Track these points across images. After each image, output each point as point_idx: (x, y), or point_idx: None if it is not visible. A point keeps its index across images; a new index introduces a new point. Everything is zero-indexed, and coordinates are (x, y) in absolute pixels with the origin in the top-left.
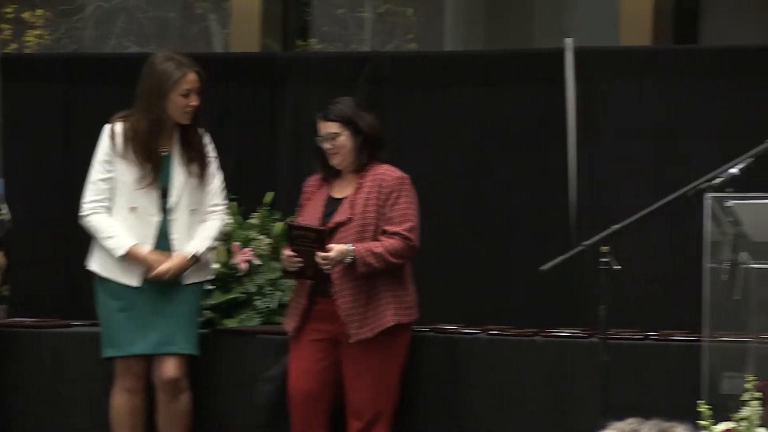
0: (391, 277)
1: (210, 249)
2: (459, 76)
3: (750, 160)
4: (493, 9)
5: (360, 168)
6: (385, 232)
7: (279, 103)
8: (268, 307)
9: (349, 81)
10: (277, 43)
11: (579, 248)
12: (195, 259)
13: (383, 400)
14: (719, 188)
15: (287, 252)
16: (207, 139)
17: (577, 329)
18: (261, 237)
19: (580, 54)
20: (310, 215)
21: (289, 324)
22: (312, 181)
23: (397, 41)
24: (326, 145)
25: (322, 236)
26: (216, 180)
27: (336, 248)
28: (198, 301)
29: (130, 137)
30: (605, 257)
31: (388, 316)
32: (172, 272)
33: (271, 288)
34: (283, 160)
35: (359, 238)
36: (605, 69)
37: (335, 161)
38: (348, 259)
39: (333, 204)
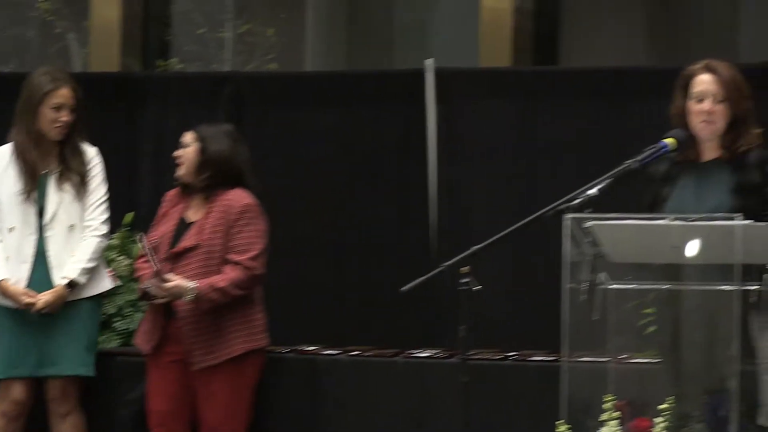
0: (241, 303)
1: (87, 270)
2: (320, 96)
3: (609, 181)
4: (354, 30)
5: (210, 191)
6: (229, 261)
7: (139, 122)
8: (127, 328)
9: (209, 100)
10: (138, 63)
11: (439, 269)
12: (71, 286)
13: (235, 421)
14: (578, 209)
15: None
16: (91, 156)
17: (438, 350)
18: (121, 258)
19: (440, 75)
20: (161, 234)
21: (146, 344)
22: (171, 194)
23: (257, 61)
24: (177, 153)
25: (159, 274)
26: (95, 195)
27: (176, 283)
28: (90, 316)
29: (13, 153)
30: (465, 278)
31: (237, 344)
32: (44, 305)
33: (130, 309)
34: (143, 180)
35: (205, 265)
36: (465, 90)
37: (178, 171)
38: (189, 296)
39: (184, 227)
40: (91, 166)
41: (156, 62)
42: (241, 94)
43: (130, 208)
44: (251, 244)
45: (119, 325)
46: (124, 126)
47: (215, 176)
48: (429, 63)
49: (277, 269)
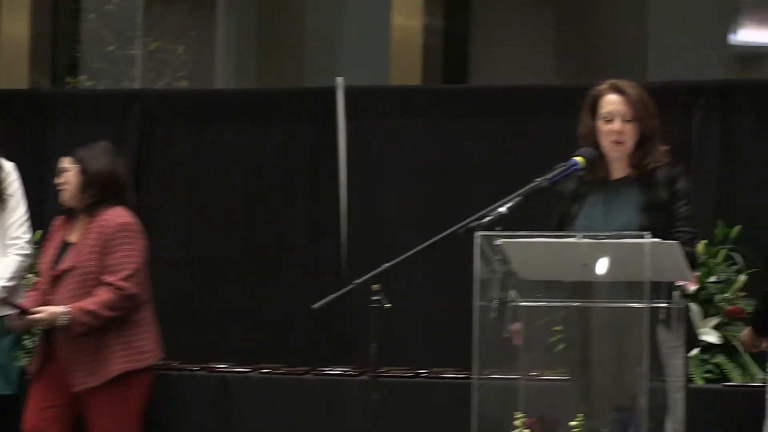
0: (121, 324)
1: (6, 288)
2: (230, 113)
3: (518, 199)
4: (264, 47)
5: (91, 211)
6: (102, 282)
7: (49, 140)
8: (36, 347)
9: (119, 118)
10: (47, 80)
11: (350, 286)
12: None
13: None
14: (488, 227)
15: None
16: (8, 170)
17: (349, 367)
18: (30, 276)
19: (350, 93)
20: (45, 258)
21: (32, 365)
22: (57, 219)
23: (168, 78)
24: (58, 180)
25: (24, 311)
26: (17, 213)
27: (47, 311)
28: (6, 335)
29: None
30: (376, 295)
31: (116, 364)
32: None
33: (39, 328)
34: (53, 198)
35: (81, 287)
36: (376, 108)
37: (63, 196)
38: (62, 321)
39: (65, 248)
40: (8, 181)
41: (65, 79)
42: (151, 112)
43: (40, 225)
44: (124, 263)
45: (28, 343)
46: (34, 143)
47: (99, 194)
48: (339, 81)
49: (187, 286)
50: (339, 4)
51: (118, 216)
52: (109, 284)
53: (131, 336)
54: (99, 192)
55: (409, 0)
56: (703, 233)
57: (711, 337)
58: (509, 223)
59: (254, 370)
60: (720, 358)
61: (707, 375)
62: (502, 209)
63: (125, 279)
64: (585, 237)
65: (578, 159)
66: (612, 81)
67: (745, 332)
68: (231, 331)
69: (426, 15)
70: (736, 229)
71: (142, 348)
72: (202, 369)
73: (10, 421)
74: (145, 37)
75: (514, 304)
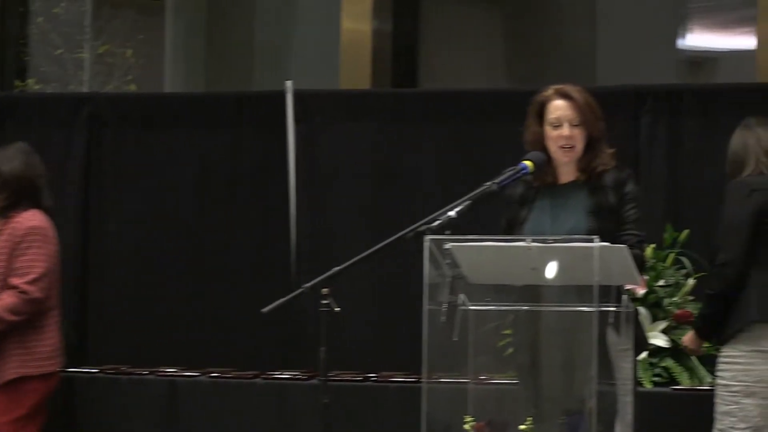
0: (23, 329)
1: None
2: (179, 117)
3: (468, 203)
4: (213, 51)
5: (6, 213)
6: (8, 285)
7: None
8: None
9: (68, 121)
10: None
11: (299, 290)
12: None
13: None
14: (438, 231)
15: None
16: None
17: (298, 371)
18: None
19: (299, 97)
20: None
21: None
22: None
23: (116, 82)
24: None
25: None
26: None
27: None
28: None
29: None
30: (326, 299)
31: (12, 368)
32: None
33: None
34: None
35: None
36: (325, 111)
37: None
38: None
39: None
40: None
41: (13, 83)
42: (100, 115)
43: None
44: (30, 267)
45: None
46: None
47: (12, 196)
48: (288, 85)
49: (136, 290)
50: (288, 7)
51: (29, 219)
52: (14, 287)
53: (32, 342)
54: (12, 194)
55: (359, 4)
56: (652, 237)
57: (659, 340)
58: (459, 226)
59: (203, 374)
60: (668, 362)
61: (656, 378)
62: (452, 213)
63: (31, 282)
64: (534, 241)
65: (527, 163)
66: (557, 86)
67: (688, 336)
68: (180, 335)
69: (375, 19)
70: (685, 233)
71: (41, 355)
72: (150, 373)
73: None
74: (93, 41)
75: (463, 307)
